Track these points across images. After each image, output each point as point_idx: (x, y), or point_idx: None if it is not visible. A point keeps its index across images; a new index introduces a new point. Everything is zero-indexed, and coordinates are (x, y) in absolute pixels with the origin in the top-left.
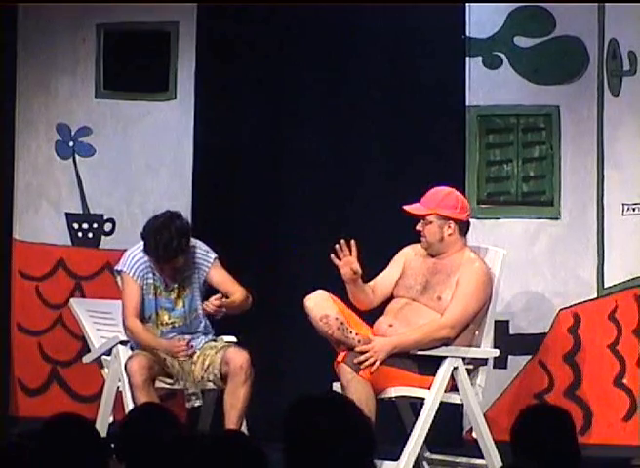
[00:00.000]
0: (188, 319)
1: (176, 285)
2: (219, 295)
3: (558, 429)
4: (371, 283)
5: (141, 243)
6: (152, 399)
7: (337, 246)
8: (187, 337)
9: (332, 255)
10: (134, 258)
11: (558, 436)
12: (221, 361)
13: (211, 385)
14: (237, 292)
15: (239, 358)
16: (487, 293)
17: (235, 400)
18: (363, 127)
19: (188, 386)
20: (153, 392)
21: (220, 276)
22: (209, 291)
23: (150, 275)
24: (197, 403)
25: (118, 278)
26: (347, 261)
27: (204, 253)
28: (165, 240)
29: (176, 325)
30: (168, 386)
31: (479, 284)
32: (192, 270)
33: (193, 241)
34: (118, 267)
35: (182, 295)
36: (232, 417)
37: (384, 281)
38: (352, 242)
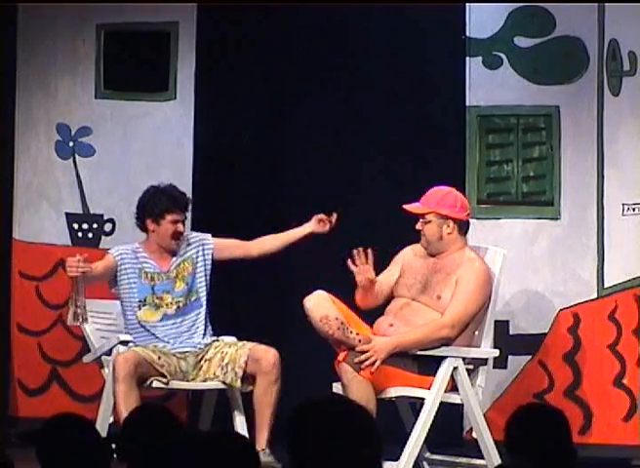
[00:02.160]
0: (190, 299)
1: (174, 267)
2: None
3: (551, 428)
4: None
5: (136, 243)
6: (131, 393)
7: (354, 251)
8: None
9: (349, 261)
10: (122, 246)
11: (551, 435)
12: (247, 359)
13: (221, 385)
14: (267, 236)
15: (270, 356)
16: (487, 293)
17: (269, 397)
18: (363, 126)
19: (76, 298)
20: (135, 388)
21: (228, 241)
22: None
23: (141, 262)
24: (80, 321)
25: (105, 253)
26: (364, 269)
27: (200, 236)
28: (175, 189)
29: (180, 305)
30: (164, 386)
31: (479, 283)
32: (193, 250)
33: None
34: (110, 250)
35: (183, 275)
36: (266, 415)
37: (384, 281)
38: (369, 251)
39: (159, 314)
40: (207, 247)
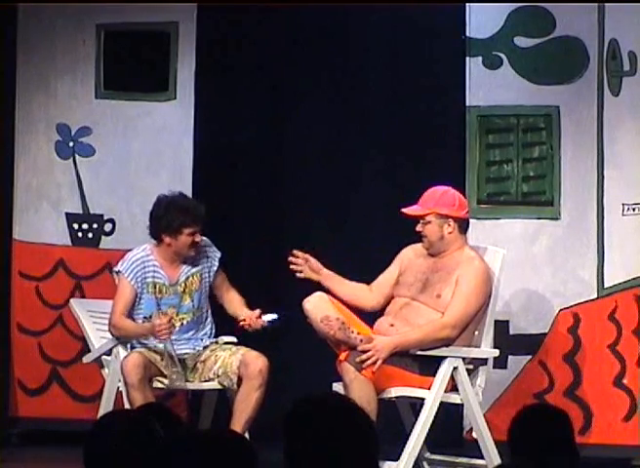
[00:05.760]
0: (196, 315)
1: (183, 279)
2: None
3: (555, 429)
4: (373, 283)
5: (144, 246)
6: (147, 397)
7: (291, 259)
8: (170, 313)
9: (297, 274)
10: (132, 259)
11: (555, 436)
12: (240, 364)
13: (218, 386)
14: (241, 301)
15: (259, 362)
16: (487, 291)
17: (247, 403)
18: (363, 127)
19: (172, 365)
20: (149, 391)
21: (223, 278)
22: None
23: (150, 274)
24: (181, 382)
25: (116, 278)
26: (307, 268)
27: (213, 250)
28: (188, 200)
29: (184, 322)
30: (164, 386)
31: (479, 282)
32: (202, 264)
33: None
34: (116, 268)
35: (191, 290)
36: (240, 420)
37: (384, 280)
38: (295, 252)
39: None
40: (214, 265)
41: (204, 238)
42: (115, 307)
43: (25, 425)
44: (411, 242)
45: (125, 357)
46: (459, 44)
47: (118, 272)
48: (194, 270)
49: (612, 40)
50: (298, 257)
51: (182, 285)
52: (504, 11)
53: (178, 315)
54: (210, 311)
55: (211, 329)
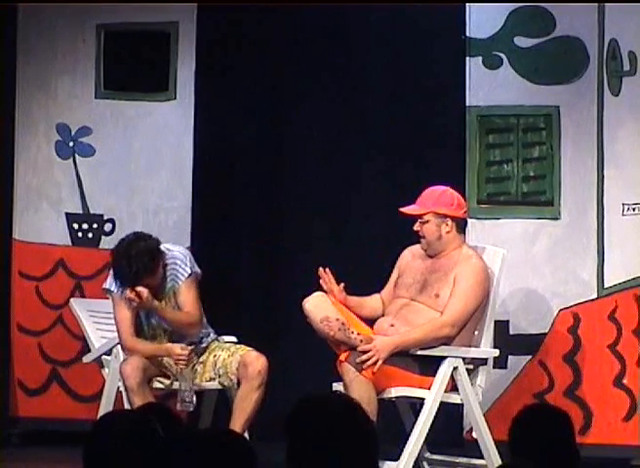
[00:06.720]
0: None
1: (164, 294)
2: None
3: (555, 429)
4: (382, 292)
5: None
6: (147, 400)
7: (320, 273)
8: (191, 347)
9: (321, 282)
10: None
11: (555, 436)
12: (239, 365)
13: (218, 386)
14: (184, 314)
15: (259, 363)
16: (485, 289)
17: (246, 403)
18: (363, 127)
19: (184, 388)
20: (149, 394)
21: (184, 294)
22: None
23: (138, 288)
24: (190, 408)
25: (109, 296)
26: (330, 289)
27: (181, 267)
28: (123, 267)
29: (172, 335)
30: (164, 387)
31: (477, 280)
32: (172, 280)
33: (177, 252)
34: (106, 285)
35: (171, 306)
36: (239, 420)
37: (389, 290)
38: (323, 270)
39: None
40: (176, 282)
41: (180, 250)
42: (121, 328)
43: (25, 425)
44: (411, 242)
45: (124, 360)
46: (459, 44)
47: (109, 290)
48: (169, 285)
49: (612, 40)
50: (326, 273)
51: (165, 299)
52: (504, 11)
53: (165, 331)
54: (205, 318)
55: (210, 331)
